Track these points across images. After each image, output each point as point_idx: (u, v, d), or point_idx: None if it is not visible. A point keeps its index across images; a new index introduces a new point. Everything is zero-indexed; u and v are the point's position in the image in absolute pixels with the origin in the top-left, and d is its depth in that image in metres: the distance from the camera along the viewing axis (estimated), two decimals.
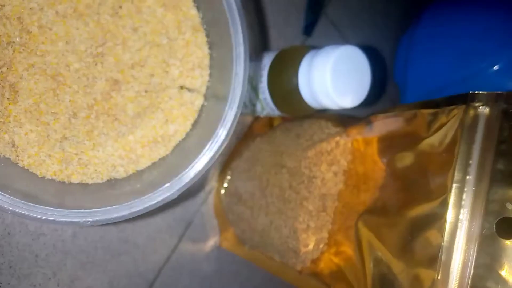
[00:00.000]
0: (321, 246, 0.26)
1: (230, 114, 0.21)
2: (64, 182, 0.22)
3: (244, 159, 0.32)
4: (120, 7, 0.22)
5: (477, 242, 0.18)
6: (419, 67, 0.41)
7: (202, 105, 0.25)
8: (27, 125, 0.21)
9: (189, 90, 0.24)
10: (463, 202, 0.18)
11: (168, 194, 0.21)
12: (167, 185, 0.21)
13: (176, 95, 0.24)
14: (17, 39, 0.20)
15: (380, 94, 0.48)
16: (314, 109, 0.27)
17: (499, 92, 0.19)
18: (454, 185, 0.19)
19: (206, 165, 0.21)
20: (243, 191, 0.31)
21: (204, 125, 0.24)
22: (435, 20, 0.41)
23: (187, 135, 0.24)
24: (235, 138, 0.35)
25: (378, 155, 0.25)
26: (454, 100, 0.20)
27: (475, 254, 0.18)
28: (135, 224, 0.30)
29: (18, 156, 0.21)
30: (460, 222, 0.18)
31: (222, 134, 0.21)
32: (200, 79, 0.24)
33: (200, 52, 0.24)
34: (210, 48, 0.24)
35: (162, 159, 0.24)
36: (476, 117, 0.19)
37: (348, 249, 0.26)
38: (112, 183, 0.23)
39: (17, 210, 0.18)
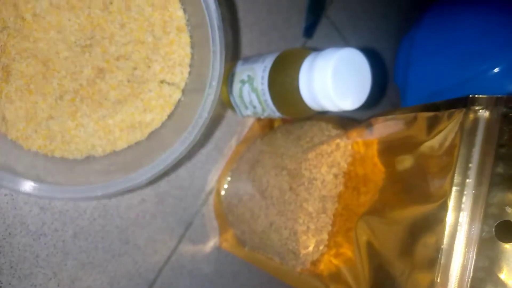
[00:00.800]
0: (321, 247, 0.26)
1: (204, 110, 0.23)
2: (47, 156, 0.24)
3: (244, 160, 0.32)
4: (111, 3, 0.24)
5: (476, 245, 0.18)
6: (419, 69, 0.41)
7: (179, 100, 0.26)
8: (17, 102, 0.23)
9: (169, 84, 0.26)
10: (462, 205, 0.19)
11: (138, 180, 0.22)
12: (140, 170, 0.22)
13: (156, 88, 0.25)
14: (12, 25, 0.22)
15: (381, 97, 0.48)
16: (315, 111, 0.28)
17: (499, 95, 0.19)
18: (454, 188, 0.19)
19: (178, 155, 0.22)
20: (243, 193, 0.31)
21: (179, 117, 0.26)
22: (435, 23, 0.41)
23: (163, 124, 0.26)
24: (235, 139, 0.35)
25: (378, 158, 0.25)
26: (454, 103, 0.20)
27: (474, 257, 0.18)
28: (136, 224, 0.30)
29: (7, 129, 0.23)
30: (459, 225, 0.18)
31: (196, 126, 0.23)
32: (180, 75, 0.26)
33: (182, 51, 0.26)
34: (192, 47, 0.26)
35: (138, 143, 0.26)
36: (476, 120, 0.19)
37: (348, 251, 0.26)
38: (90, 160, 0.25)
39: None
